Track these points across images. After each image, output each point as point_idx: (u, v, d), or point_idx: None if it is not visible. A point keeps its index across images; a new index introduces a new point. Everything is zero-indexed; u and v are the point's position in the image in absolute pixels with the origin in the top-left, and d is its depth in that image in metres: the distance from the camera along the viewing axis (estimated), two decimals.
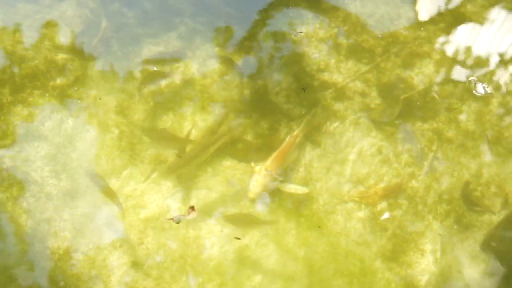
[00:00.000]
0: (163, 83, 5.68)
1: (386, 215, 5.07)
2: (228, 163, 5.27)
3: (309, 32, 6.01)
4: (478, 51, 5.92)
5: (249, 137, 5.40)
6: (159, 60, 5.80)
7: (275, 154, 5.15)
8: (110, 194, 4.99)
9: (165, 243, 4.90)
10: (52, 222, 4.94)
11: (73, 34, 5.89)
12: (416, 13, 6.13)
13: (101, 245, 4.87)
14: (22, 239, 4.84)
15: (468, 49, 5.92)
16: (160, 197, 5.08)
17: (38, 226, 4.92)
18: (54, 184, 5.10)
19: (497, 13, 6.15)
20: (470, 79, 5.67)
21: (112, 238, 4.90)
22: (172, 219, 4.96)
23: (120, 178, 5.15)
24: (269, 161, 5.09)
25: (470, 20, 6.08)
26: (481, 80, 5.69)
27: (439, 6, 6.17)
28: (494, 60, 5.86)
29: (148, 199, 5.07)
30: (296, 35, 5.94)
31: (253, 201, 5.06)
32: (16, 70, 5.62)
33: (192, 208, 5.01)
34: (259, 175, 5.05)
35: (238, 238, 4.92)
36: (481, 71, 5.77)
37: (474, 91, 5.64)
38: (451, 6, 6.18)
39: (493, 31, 6.02)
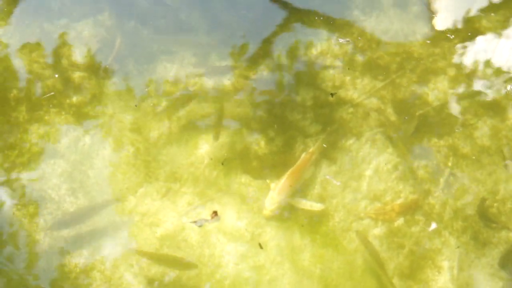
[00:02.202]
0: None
1: (433, 225, 5.04)
2: (243, 180, 5.27)
3: (323, 48, 6.02)
4: (495, 65, 5.89)
5: (264, 153, 5.40)
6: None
7: (290, 171, 5.15)
8: None
9: None
10: (69, 240, 4.96)
11: (89, 52, 5.93)
12: (430, 30, 6.12)
13: (117, 263, 4.88)
14: (39, 257, 4.86)
15: (484, 64, 5.90)
16: (175, 215, 5.09)
17: (55, 244, 4.94)
18: (71, 201, 5.12)
19: None
20: (508, 88, 5.64)
21: (128, 256, 4.90)
22: (194, 222, 4.96)
23: (136, 196, 5.16)
24: (284, 178, 5.09)
25: (485, 36, 6.06)
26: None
27: (454, 22, 6.15)
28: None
29: (163, 217, 5.08)
30: (341, 42, 5.94)
31: (268, 218, 5.05)
32: (33, 88, 5.66)
33: (215, 213, 5.01)
34: (274, 192, 5.05)
35: (261, 247, 4.91)
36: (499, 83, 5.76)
37: None
38: (466, 22, 6.16)
39: (509, 46, 5.99)
